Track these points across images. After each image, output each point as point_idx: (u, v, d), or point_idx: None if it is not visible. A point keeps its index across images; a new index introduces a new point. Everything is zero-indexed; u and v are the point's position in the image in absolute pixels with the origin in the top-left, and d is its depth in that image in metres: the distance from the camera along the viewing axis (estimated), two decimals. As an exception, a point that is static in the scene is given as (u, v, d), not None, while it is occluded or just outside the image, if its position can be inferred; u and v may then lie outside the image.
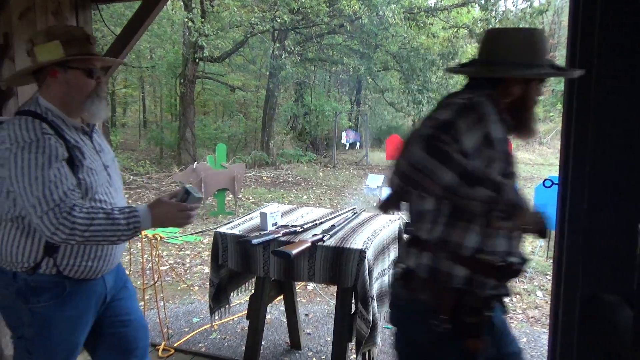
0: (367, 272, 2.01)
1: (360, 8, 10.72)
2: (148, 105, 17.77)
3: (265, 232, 2.20)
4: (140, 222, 1.37)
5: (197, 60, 11.58)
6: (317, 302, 3.81)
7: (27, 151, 1.31)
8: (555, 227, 1.08)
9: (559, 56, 12.12)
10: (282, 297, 2.77)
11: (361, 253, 2.00)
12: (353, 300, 2.23)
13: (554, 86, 12.67)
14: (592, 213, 0.72)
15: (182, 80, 12.01)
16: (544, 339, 3.03)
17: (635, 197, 0.69)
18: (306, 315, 3.51)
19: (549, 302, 1.33)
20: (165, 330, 3.05)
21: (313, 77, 15.72)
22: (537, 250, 4.90)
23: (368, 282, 2.00)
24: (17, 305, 1.44)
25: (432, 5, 12.29)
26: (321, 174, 12.10)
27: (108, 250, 1.50)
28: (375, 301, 2.12)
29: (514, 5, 11.83)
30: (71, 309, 1.46)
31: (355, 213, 2.51)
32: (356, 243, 2.07)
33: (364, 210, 2.62)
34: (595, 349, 0.72)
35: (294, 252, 1.94)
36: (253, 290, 2.44)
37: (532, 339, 3.18)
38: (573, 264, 0.78)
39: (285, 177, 11.31)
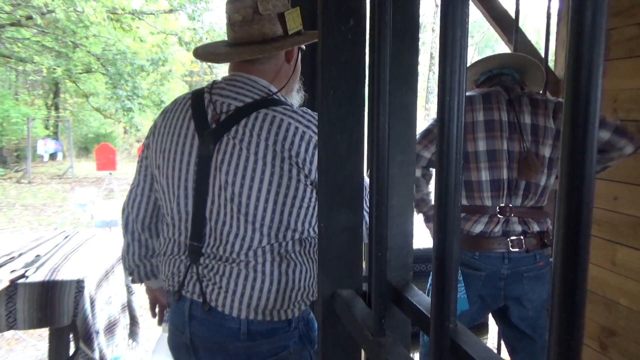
0: (87, 304, 1.73)
1: (53, 0, 9.38)
2: None
3: None
4: None
5: None
6: (19, 349, 3.13)
7: None
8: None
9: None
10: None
11: (79, 284, 1.72)
12: (71, 337, 1.90)
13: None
14: (326, 217, 0.76)
15: None
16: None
17: (355, 200, 0.75)
18: (6, 369, 2.84)
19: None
20: None
21: (-7, 76, 12.97)
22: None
23: (90, 316, 1.73)
24: (305, 356, 1.14)
25: (138, 8, 11.79)
26: (13, 191, 10.10)
27: None
28: (102, 335, 1.85)
29: (219, 17, 12.46)
30: None
31: (66, 237, 2.14)
32: (71, 272, 1.76)
33: (78, 232, 2.28)
34: (339, 342, 0.77)
35: (-16, 298, 1.52)
36: None
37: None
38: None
39: (-40, 199, 8.99)
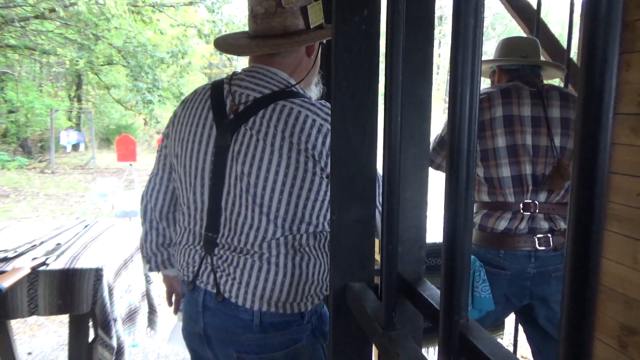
0: (106, 292, 1.76)
1: (75, -7, 9.52)
2: None
3: (-41, 263, 1.70)
4: None
5: None
6: (42, 335, 3.21)
7: None
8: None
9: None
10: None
11: (97, 272, 1.75)
12: (91, 325, 1.94)
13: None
14: (338, 210, 0.76)
15: None
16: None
17: (367, 193, 0.75)
18: (29, 354, 2.92)
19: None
20: None
21: (19, 68, 13.22)
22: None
23: (109, 304, 1.77)
24: (317, 349, 1.14)
25: (158, 0, 11.87)
26: (37, 181, 10.33)
27: None
28: (120, 322, 1.89)
29: (238, 10, 12.48)
30: None
31: (86, 226, 2.18)
32: (90, 261, 1.79)
33: (97, 221, 2.32)
34: (349, 334, 0.77)
35: (6, 284, 1.55)
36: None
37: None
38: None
39: (-13, 188, 9.24)
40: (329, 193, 1.06)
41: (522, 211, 1.65)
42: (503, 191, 1.66)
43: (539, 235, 1.64)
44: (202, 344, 1.14)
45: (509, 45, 1.80)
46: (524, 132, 1.64)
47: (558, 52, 2.03)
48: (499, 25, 21.61)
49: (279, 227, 1.05)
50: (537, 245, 1.63)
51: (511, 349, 2.47)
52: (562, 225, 1.66)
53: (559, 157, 1.63)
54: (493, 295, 1.67)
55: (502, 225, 1.65)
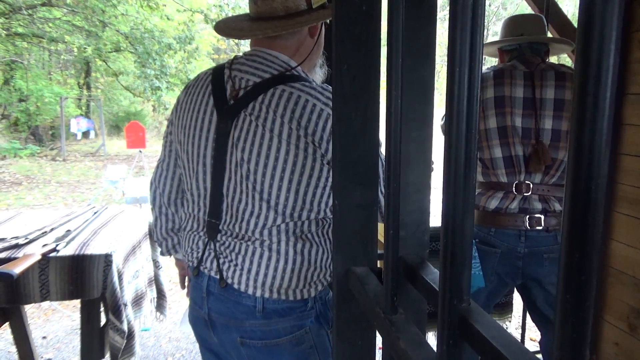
0: (116, 278, 1.79)
1: (81, -21, 9.48)
2: None
3: (-28, 250, 1.72)
4: None
5: None
6: (56, 319, 3.28)
7: None
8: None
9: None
10: (7, 324, 2.26)
11: (107, 258, 1.77)
12: (102, 310, 1.97)
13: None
14: (340, 194, 0.75)
15: None
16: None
17: (370, 177, 0.74)
18: (44, 338, 2.98)
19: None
20: None
21: (28, 56, 13.27)
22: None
23: (119, 289, 1.79)
24: (322, 335, 1.13)
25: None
26: (49, 168, 10.44)
27: None
28: (130, 307, 1.92)
29: (244, -6, 12.34)
30: None
31: (95, 212, 2.20)
32: (100, 247, 1.81)
33: (106, 208, 2.34)
34: (352, 319, 0.77)
35: (17, 270, 1.58)
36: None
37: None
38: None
39: (0, 176, 9.35)
40: (330, 179, 1.05)
41: (514, 191, 1.65)
42: (495, 172, 1.66)
43: (531, 216, 1.64)
44: (207, 328, 1.15)
45: (507, 25, 1.79)
46: (513, 114, 1.63)
47: (569, 31, 1.98)
48: (510, 5, 21.18)
49: (280, 214, 1.04)
50: (527, 225, 1.64)
51: (519, 332, 2.48)
52: (557, 206, 1.66)
53: (539, 140, 1.62)
54: (484, 273, 1.70)
55: (493, 204, 1.66)
